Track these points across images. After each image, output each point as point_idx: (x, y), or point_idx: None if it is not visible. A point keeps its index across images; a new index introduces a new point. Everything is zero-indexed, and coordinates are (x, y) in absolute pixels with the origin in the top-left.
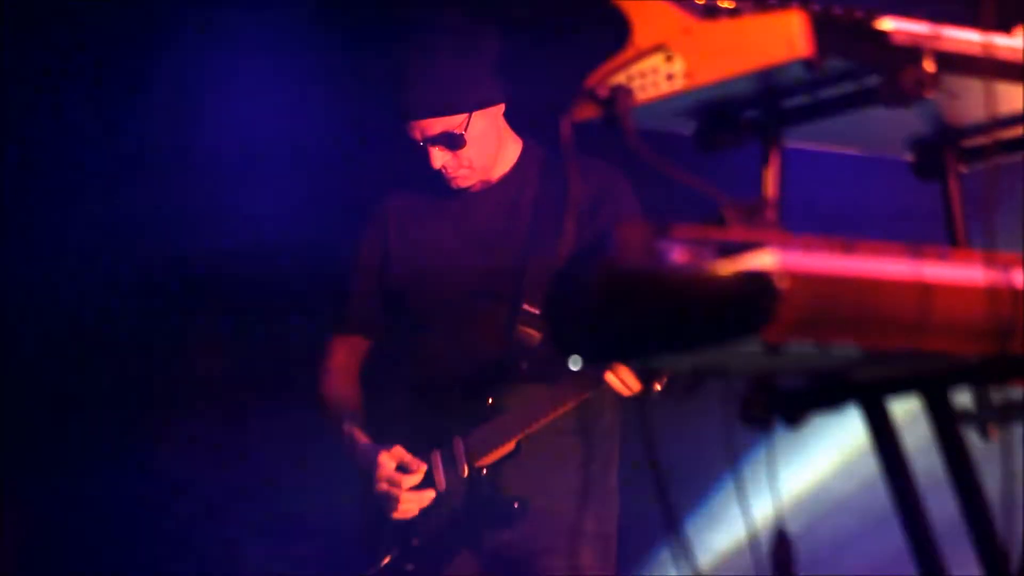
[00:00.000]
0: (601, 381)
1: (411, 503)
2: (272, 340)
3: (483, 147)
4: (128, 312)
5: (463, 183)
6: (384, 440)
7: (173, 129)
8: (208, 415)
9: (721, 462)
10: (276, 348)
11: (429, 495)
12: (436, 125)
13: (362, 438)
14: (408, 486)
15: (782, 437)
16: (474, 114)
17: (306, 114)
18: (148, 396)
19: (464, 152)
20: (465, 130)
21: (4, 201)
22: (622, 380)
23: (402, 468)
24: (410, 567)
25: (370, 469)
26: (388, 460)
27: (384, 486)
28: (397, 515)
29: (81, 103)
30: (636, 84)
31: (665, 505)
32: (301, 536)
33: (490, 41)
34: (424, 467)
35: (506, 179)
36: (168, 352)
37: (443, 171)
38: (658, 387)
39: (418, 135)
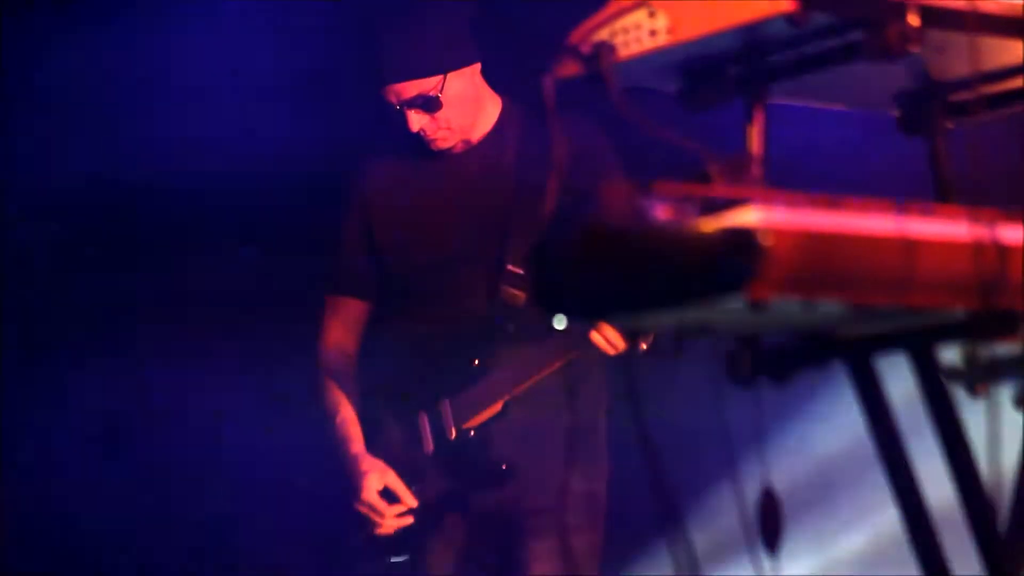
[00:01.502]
0: (587, 340)
1: (390, 528)
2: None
3: (461, 108)
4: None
5: (443, 145)
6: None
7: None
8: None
9: (710, 421)
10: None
11: (407, 521)
12: (411, 88)
13: (352, 442)
14: (390, 515)
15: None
16: (449, 75)
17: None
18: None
19: (442, 114)
20: (440, 92)
21: None
22: (607, 339)
23: (387, 493)
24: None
25: (355, 481)
26: (374, 482)
27: (364, 509)
28: (378, 532)
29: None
30: (619, 40)
31: (652, 466)
32: (291, 498)
33: (456, 8)
34: (413, 503)
35: (487, 139)
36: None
37: (422, 134)
38: (644, 346)
39: (394, 99)
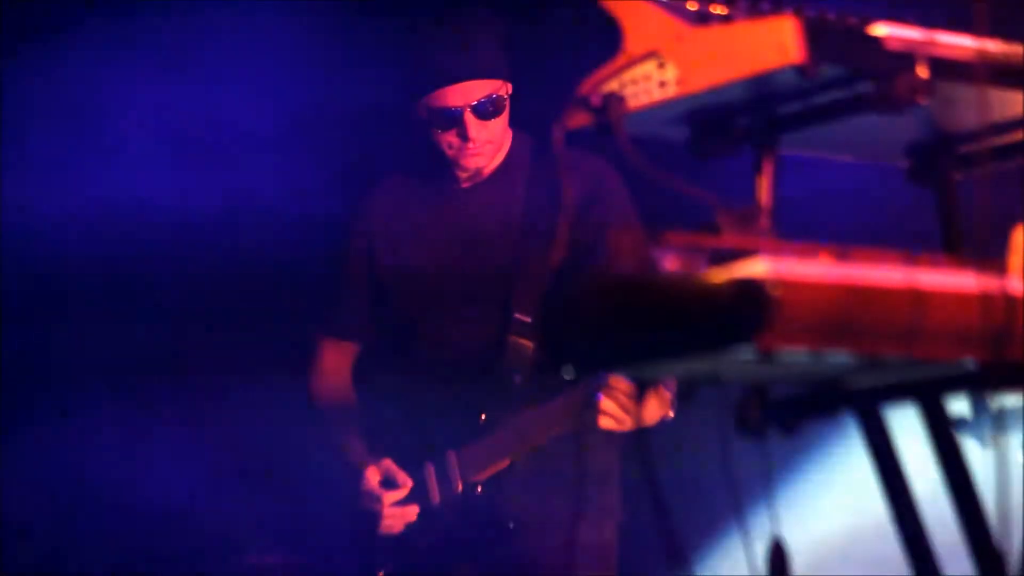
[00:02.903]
0: (594, 408)
1: (394, 519)
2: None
3: (504, 123)
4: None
5: (477, 162)
6: (376, 450)
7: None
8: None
9: (718, 471)
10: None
11: (413, 511)
12: (480, 88)
13: (353, 448)
14: (390, 502)
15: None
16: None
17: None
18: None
19: (494, 124)
20: (507, 94)
21: None
22: (615, 414)
23: (387, 482)
24: None
25: (356, 482)
26: (373, 474)
27: (367, 501)
28: (381, 530)
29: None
30: (629, 91)
31: (662, 518)
32: (295, 536)
33: (500, 23)
34: (410, 483)
35: (496, 174)
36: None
37: (464, 148)
38: (671, 414)
39: (458, 101)
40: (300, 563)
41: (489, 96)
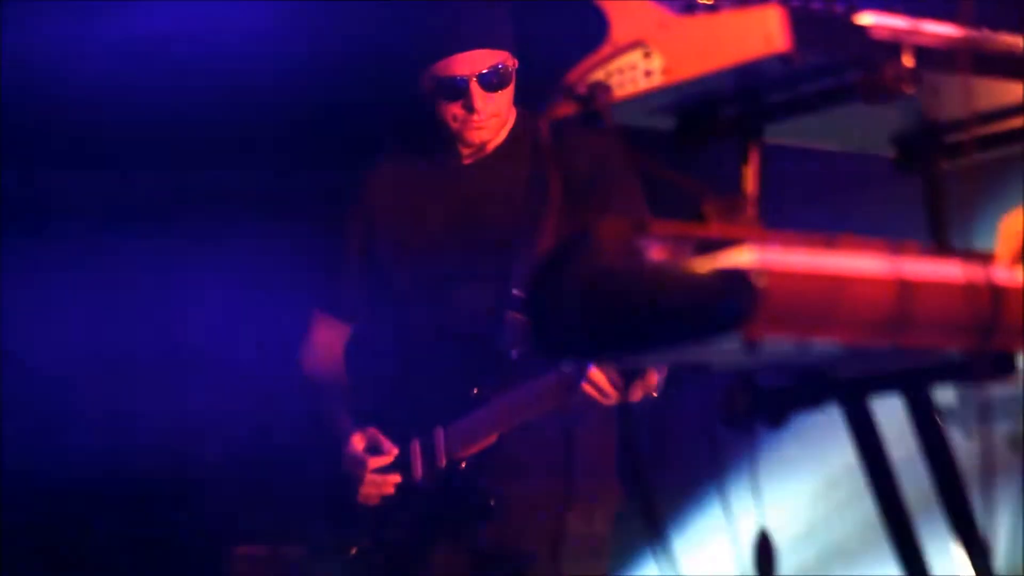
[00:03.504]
0: (579, 388)
1: (374, 486)
2: None
3: (508, 99)
4: None
5: (482, 136)
6: (365, 423)
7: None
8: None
9: (704, 461)
10: None
11: (394, 479)
12: (488, 58)
13: (340, 419)
14: (373, 467)
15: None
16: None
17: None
18: None
19: (501, 95)
20: (513, 68)
21: None
22: (598, 387)
23: (372, 449)
24: (380, 558)
25: (340, 448)
26: (359, 440)
27: (349, 465)
28: (360, 498)
29: None
30: (615, 81)
31: (646, 504)
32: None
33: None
34: (395, 451)
35: (499, 150)
36: None
37: (469, 120)
38: (655, 394)
39: (464, 70)
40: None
41: (495, 67)
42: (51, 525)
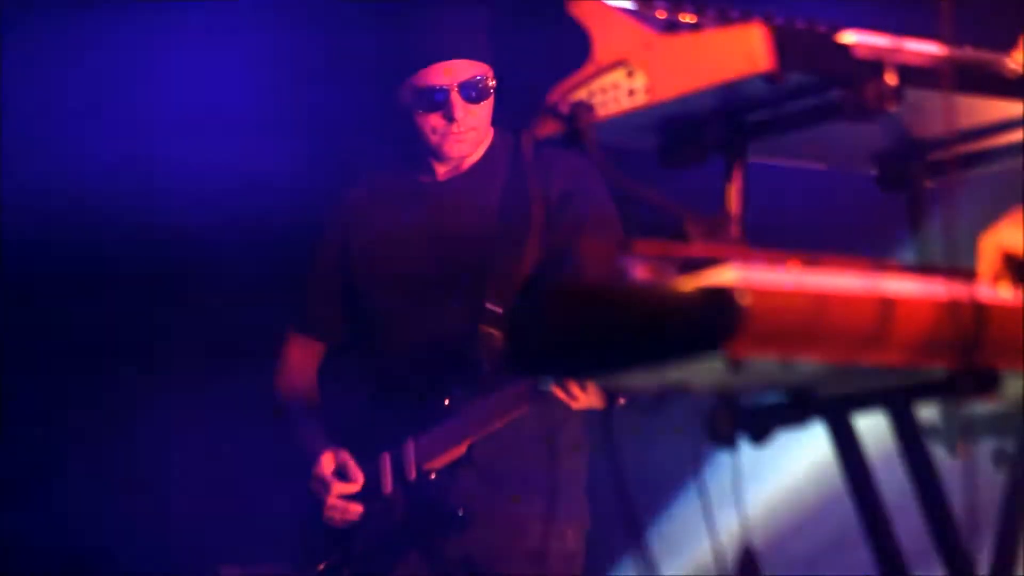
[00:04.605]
0: (546, 392)
1: (336, 512)
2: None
3: (487, 113)
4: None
5: (461, 150)
6: (338, 440)
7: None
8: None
9: (687, 475)
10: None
11: (357, 509)
12: (469, 69)
13: (313, 436)
14: (337, 493)
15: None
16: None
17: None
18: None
19: (480, 108)
20: (493, 84)
21: None
22: (565, 390)
23: (341, 473)
24: (348, 573)
25: (310, 466)
26: (328, 460)
27: (316, 486)
28: (324, 519)
29: None
30: (598, 100)
31: (629, 519)
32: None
33: (487, 13)
34: (361, 479)
35: (475, 168)
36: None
37: (449, 131)
38: (622, 400)
39: (445, 80)
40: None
41: (476, 78)
42: None
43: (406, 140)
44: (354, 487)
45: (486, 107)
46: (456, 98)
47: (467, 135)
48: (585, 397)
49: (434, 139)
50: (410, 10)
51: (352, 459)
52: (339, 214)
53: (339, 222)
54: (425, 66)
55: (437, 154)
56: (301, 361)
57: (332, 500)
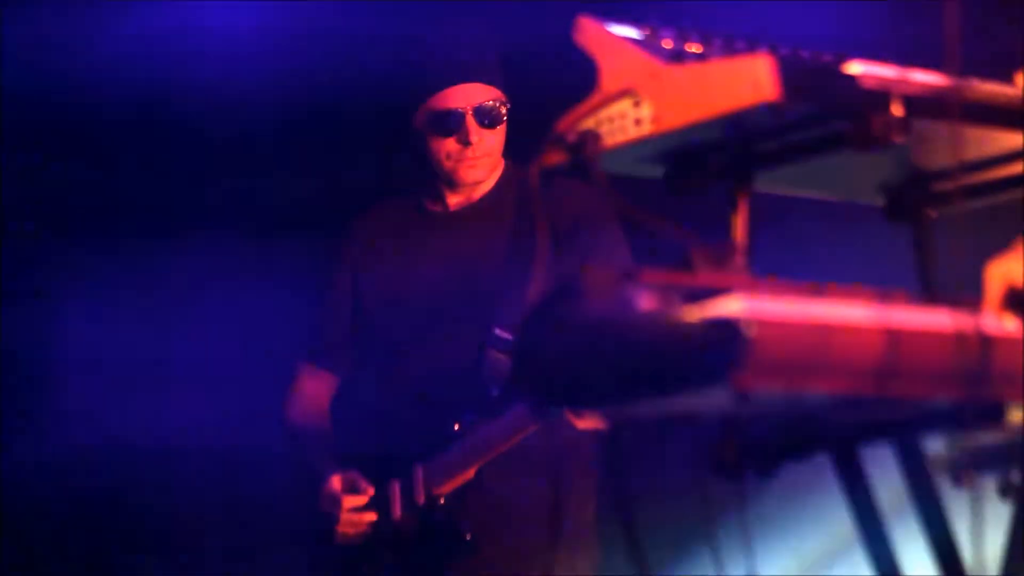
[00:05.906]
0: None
1: (349, 525)
2: None
3: (501, 139)
4: None
5: (475, 176)
6: (351, 465)
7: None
8: None
9: (695, 509)
10: None
11: (369, 517)
12: (484, 93)
13: (323, 461)
14: (348, 507)
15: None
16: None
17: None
18: None
19: (494, 135)
20: (506, 110)
21: None
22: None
23: (350, 490)
24: None
25: (319, 487)
26: (337, 481)
27: (326, 504)
28: (338, 539)
29: None
30: (604, 129)
31: (635, 548)
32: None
33: (499, 43)
34: (371, 491)
35: (486, 198)
36: None
37: (464, 155)
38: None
39: (460, 103)
40: None
41: (491, 102)
42: None
43: (418, 169)
44: (363, 499)
45: (500, 134)
46: (471, 122)
47: (481, 161)
48: (592, 418)
49: (448, 164)
50: (425, 35)
51: (362, 477)
52: (349, 245)
53: (349, 253)
54: (441, 89)
55: (450, 180)
56: (313, 392)
57: (344, 515)
